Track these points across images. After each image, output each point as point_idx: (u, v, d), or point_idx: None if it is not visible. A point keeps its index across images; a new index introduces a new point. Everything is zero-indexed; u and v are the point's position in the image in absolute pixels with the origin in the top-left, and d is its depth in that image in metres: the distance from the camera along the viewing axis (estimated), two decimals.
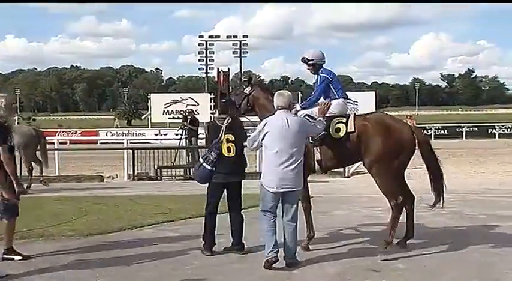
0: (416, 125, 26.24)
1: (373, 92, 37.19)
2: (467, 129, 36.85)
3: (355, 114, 5.71)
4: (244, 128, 5.84)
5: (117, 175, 14.46)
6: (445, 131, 37.00)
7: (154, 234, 6.65)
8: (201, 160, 5.62)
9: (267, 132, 5.10)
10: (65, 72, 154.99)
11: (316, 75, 5.93)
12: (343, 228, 6.91)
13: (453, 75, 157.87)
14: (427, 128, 35.80)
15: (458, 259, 5.46)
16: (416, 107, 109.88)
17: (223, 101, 6.10)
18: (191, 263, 5.34)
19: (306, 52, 6.03)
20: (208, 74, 49.12)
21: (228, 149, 5.49)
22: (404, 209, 5.70)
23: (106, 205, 8.60)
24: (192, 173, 5.99)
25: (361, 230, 6.85)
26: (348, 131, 5.51)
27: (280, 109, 5.21)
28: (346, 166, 6.35)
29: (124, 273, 5.09)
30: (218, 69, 39.23)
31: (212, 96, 32.52)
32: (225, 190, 5.62)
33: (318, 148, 5.59)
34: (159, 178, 13.85)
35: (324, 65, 5.96)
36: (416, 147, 5.64)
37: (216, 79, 43.34)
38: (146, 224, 7.16)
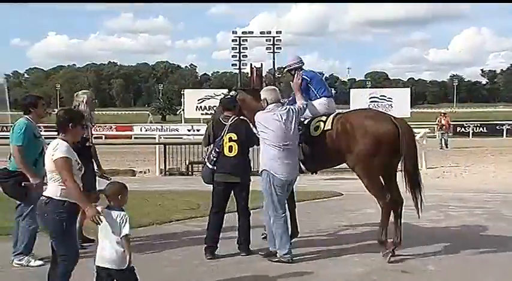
0: (451, 123, 25.71)
1: (408, 89, 36.54)
2: (508, 127, 35.48)
3: (337, 113, 5.63)
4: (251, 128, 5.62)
5: (149, 169, 14.65)
6: (484, 128, 35.76)
7: (182, 229, 6.69)
8: (205, 159, 5.56)
9: (267, 128, 5.12)
10: (103, 68, 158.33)
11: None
12: (371, 227, 6.74)
13: (494, 71, 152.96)
14: (465, 125, 34.85)
15: (493, 262, 5.26)
16: (455, 103, 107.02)
17: (228, 97, 5.82)
18: (216, 259, 5.32)
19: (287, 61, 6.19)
20: (242, 70, 49.24)
21: (230, 148, 5.32)
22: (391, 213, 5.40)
23: (136, 199, 8.66)
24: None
25: (390, 230, 6.67)
26: (325, 129, 5.40)
27: (272, 103, 5.27)
28: (333, 166, 6.24)
29: (149, 267, 5.10)
30: (251, 65, 39.31)
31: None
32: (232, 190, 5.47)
33: (300, 148, 5.45)
34: (190, 173, 13.94)
35: (303, 67, 5.98)
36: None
37: (249, 75, 43.41)
38: (174, 219, 7.23)
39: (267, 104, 5.31)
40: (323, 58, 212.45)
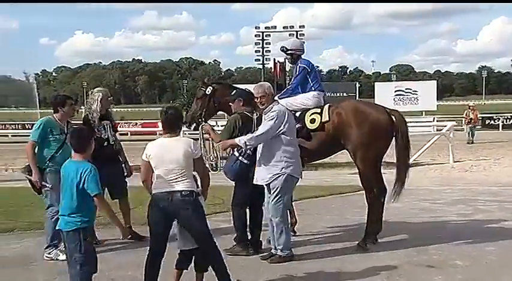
0: (479, 116, 25.11)
1: (434, 81, 35.89)
2: None
3: (329, 104, 5.60)
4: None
5: None
6: None
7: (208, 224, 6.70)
8: (236, 154, 5.28)
9: (288, 123, 4.95)
10: (128, 66, 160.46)
11: (294, 65, 5.90)
12: (397, 221, 6.66)
13: None
14: (494, 117, 34.01)
15: None
16: (483, 95, 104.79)
17: (247, 91, 5.61)
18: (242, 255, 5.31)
19: (285, 42, 6.19)
20: (265, 65, 49.11)
21: None
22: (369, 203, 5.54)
23: None
24: (223, 168, 5.59)
25: (417, 224, 6.59)
26: (323, 120, 5.43)
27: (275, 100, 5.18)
28: (329, 156, 6.23)
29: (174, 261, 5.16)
30: (274, 60, 39.16)
31: None
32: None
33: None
34: (215, 168, 13.98)
35: (302, 56, 5.92)
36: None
37: (272, 70, 43.29)
38: None
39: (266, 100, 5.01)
40: (347, 52, 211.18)
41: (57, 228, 3.86)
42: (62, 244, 5.19)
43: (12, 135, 27.04)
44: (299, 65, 5.82)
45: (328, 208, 7.73)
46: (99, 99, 5.73)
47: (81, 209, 3.72)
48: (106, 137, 5.75)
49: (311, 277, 4.71)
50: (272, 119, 4.88)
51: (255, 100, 5.09)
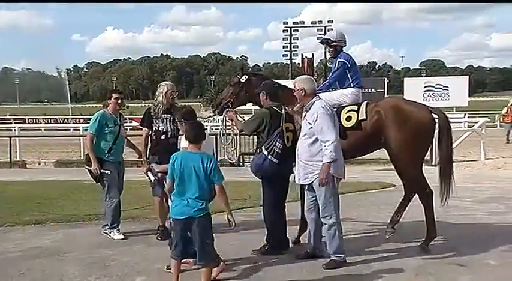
0: None
1: (466, 77, 35.06)
2: None
3: (367, 102, 5.32)
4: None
5: None
6: None
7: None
8: (265, 152, 5.07)
9: (335, 119, 4.75)
10: (156, 61, 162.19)
11: (334, 59, 5.63)
12: (424, 219, 6.54)
13: None
14: None
15: None
16: None
17: (274, 85, 5.50)
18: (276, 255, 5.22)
19: (327, 34, 5.92)
20: (293, 61, 48.99)
21: (287, 139, 5.11)
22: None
23: None
24: (252, 167, 5.31)
25: (447, 222, 6.45)
26: (360, 119, 5.17)
27: (315, 95, 4.85)
28: (363, 154, 5.90)
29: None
30: (302, 55, 39.01)
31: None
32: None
33: None
34: (241, 164, 14.02)
35: (344, 48, 5.65)
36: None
37: (300, 65, 43.10)
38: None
39: (304, 95, 4.82)
40: (376, 47, 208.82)
41: (178, 217, 4.07)
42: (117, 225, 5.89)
43: (45, 130, 27.72)
44: (339, 59, 5.53)
45: (355, 205, 7.65)
46: (163, 93, 5.82)
47: (207, 196, 4.09)
48: (164, 130, 5.78)
49: (337, 272, 4.66)
50: (323, 114, 4.63)
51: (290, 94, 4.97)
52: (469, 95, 36.13)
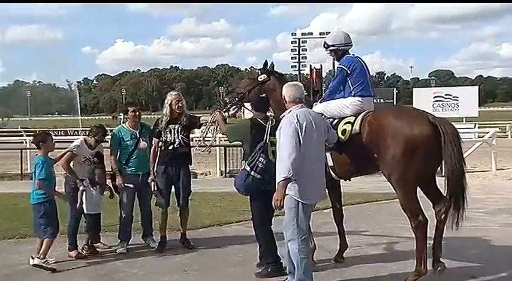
0: None
1: (476, 87, 34.85)
2: None
3: (366, 112, 4.67)
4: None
5: (210, 171, 14.87)
6: None
7: (242, 231, 6.71)
8: (247, 168, 4.73)
9: (303, 132, 4.11)
10: (165, 73, 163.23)
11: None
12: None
13: None
14: None
15: None
16: None
17: (261, 96, 5.18)
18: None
19: (327, 36, 5.22)
20: (301, 72, 49.08)
21: (273, 153, 4.61)
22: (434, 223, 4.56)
23: (197, 201, 8.84)
24: (235, 184, 4.95)
25: (458, 234, 6.38)
26: (352, 132, 4.56)
27: (298, 102, 4.35)
28: (367, 173, 5.21)
29: (211, 267, 5.24)
30: (311, 66, 39.01)
31: (305, 93, 32.33)
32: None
33: (329, 153, 4.72)
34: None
35: (349, 50, 5.02)
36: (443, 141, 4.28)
37: (309, 76, 43.15)
38: (234, 220, 7.29)
39: (285, 102, 4.41)
40: (385, 57, 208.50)
41: None
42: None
43: (55, 142, 27.82)
44: (337, 65, 4.98)
45: (365, 215, 7.61)
46: (168, 103, 5.85)
47: None
48: (171, 140, 5.79)
49: None
50: (285, 126, 4.15)
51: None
52: (479, 105, 35.85)
